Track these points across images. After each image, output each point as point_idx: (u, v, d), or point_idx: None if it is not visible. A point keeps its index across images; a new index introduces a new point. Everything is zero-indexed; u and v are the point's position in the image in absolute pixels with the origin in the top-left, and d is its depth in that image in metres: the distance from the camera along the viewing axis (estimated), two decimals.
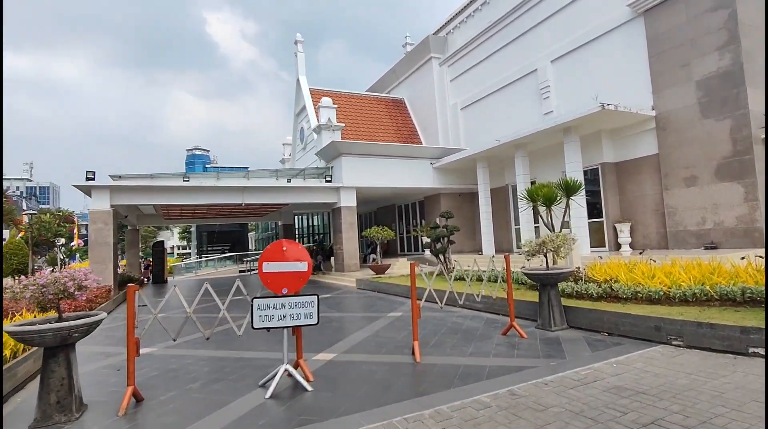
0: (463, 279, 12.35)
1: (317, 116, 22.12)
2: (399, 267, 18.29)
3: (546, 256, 6.98)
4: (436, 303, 6.13)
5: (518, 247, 17.94)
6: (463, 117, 22.23)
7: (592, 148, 14.63)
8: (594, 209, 14.59)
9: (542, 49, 17.31)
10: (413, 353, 5.56)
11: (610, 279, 7.91)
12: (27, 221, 19.64)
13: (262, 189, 17.51)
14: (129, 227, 25.61)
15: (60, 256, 20.32)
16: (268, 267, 4.80)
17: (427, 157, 20.10)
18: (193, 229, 50.25)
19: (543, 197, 10.27)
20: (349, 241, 18.50)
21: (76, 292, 4.29)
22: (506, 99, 19.23)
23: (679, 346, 5.33)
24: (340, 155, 18.63)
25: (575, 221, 13.28)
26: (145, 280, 26.04)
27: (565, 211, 10.46)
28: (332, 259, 20.30)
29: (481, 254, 17.82)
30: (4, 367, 4.97)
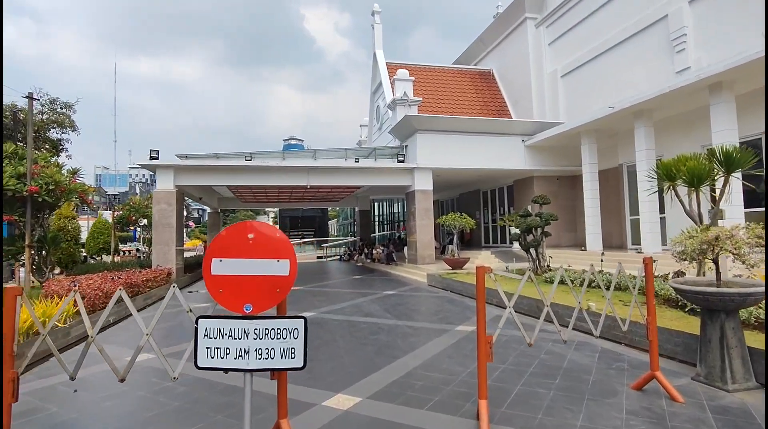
0: (562, 282, 9.56)
1: (392, 90, 20.05)
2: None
3: (717, 263, 4.18)
4: (523, 316, 3.75)
5: (633, 244, 14.35)
6: (563, 86, 18.65)
7: (750, 113, 10.70)
8: (751, 196, 10.71)
9: None
10: (478, 418, 3.29)
11: None
12: (111, 202, 20.35)
13: (328, 169, 15.95)
14: (210, 210, 26.02)
15: (141, 235, 20.90)
16: (221, 266, 2.82)
17: (518, 134, 17.05)
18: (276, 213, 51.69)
19: (688, 173, 7.15)
20: (424, 230, 16.29)
21: None
22: (621, 59, 15.41)
23: None
24: (414, 132, 16.39)
25: (727, 211, 9.68)
26: None
27: (721, 195, 7.25)
28: (406, 249, 18.27)
29: (584, 250, 14.55)
30: None
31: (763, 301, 4.94)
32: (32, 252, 12.13)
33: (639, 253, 12.28)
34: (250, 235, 2.89)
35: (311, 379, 4.54)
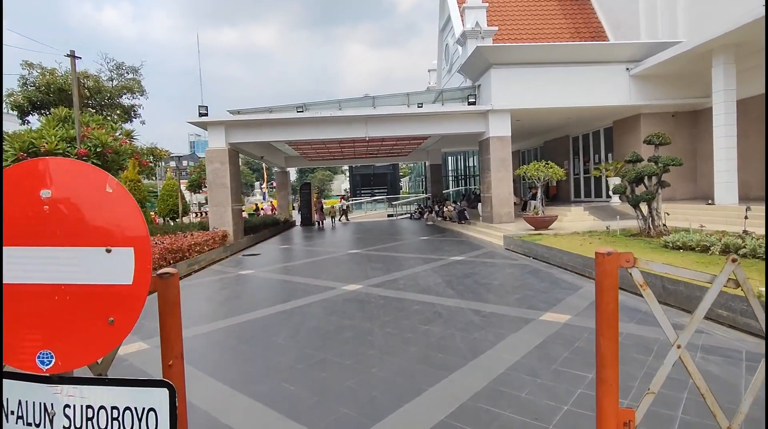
0: (689, 248, 6.99)
1: (462, 22, 17.25)
2: (571, 219, 13.19)
3: None
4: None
5: None
6: None
7: None
8: None
9: None
10: None
11: None
12: (175, 165, 20.43)
13: (387, 118, 14.09)
14: (278, 169, 25.60)
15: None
16: None
17: (621, 61, 13.70)
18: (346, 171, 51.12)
19: None
20: (501, 183, 14.00)
21: None
22: None
23: None
24: (488, 67, 13.80)
25: None
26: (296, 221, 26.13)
27: None
28: (480, 206, 16.14)
29: (711, 203, 11.41)
30: None
31: None
32: None
33: None
34: (45, 193, 1.25)
35: (314, 406, 3.02)
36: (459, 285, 6.79)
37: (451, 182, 34.04)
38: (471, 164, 30.04)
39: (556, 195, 19.98)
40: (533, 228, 11.53)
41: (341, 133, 14.14)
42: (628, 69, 13.67)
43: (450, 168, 34.36)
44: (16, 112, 18.36)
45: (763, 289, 4.34)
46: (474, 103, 13.79)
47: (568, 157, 19.00)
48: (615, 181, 14.33)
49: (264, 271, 9.20)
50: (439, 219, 19.76)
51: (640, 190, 9.30)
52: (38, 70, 18.26)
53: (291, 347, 4.32)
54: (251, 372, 3.76)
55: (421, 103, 14.03)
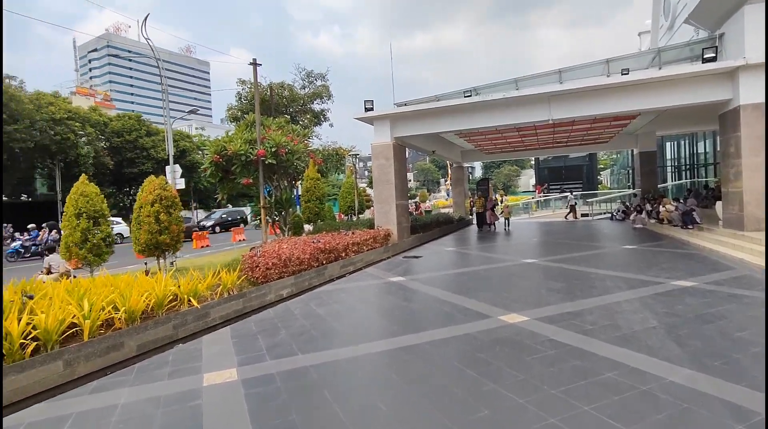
0: None
1: None
2: None
3: None
4: None
5: None
6: None
7: None
8: None
9: None
10: None
11: None
12: (352, 163, 20.96)
13: (578, 93, 11.17)
14: (454, 165, 24.36)
15: None
16: None
17: None
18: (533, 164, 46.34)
19: None
20: (759, 173, 9.59)
21: None
22: None
23: None
24: (740, 5, 9.57)
25: None
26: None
27: None
28: (718, 205, 11.63)
29: None
30: None
31: None
32: (273, 213, 12.89)
33: None
34: None
35: None
36: (691, 337, 4.16)
37: (669, 175, 27.15)
38: (701, 150, 23.15)
39: None
40: None
41: (517, 117, 11.87)
42: None
43: (667, 156, 27.42)
44: (234, 123, 21.80)
45: None
46: (713, 59, 9.74)
47: None
48: None
49: (414, 280, 7.92)
50: (653, 221, 15.36)
51: None
52: (248, 86, 21.26)
53: None
54: None
55: (627, 70, 10.65)
